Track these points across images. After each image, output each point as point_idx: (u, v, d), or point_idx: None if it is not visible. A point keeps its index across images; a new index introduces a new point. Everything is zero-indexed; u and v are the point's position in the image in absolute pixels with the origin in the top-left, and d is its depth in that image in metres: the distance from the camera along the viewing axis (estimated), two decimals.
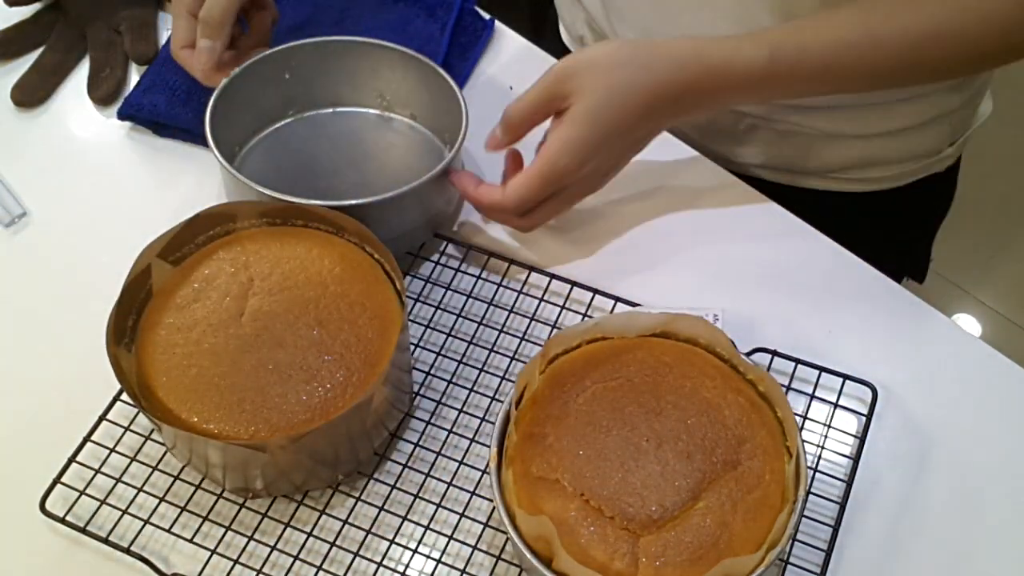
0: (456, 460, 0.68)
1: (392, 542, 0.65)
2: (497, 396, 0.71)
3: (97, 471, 0.67)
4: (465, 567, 0.64)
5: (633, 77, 0.66)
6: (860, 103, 0.81)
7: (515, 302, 0.75)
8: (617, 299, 0.74)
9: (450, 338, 0.73)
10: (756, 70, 0.66)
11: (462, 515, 0.66)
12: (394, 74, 0.79)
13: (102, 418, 0.68)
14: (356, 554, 0.64)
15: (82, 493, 0.66)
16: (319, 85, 0.81)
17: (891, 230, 0.79)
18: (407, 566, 0.64)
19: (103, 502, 0.66)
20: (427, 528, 0.65)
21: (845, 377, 0.69)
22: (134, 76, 0.89)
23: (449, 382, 0.71)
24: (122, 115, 0.85)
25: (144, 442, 0.68)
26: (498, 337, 0.73)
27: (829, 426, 0.69)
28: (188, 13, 0.76)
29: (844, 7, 0.67)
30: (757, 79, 0.67)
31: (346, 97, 0.82)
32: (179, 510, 0.66)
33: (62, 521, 0.65)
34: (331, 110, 0.82)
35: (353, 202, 0.69)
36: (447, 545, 0.65)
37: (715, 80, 0.67)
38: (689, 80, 0.66)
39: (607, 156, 0.70)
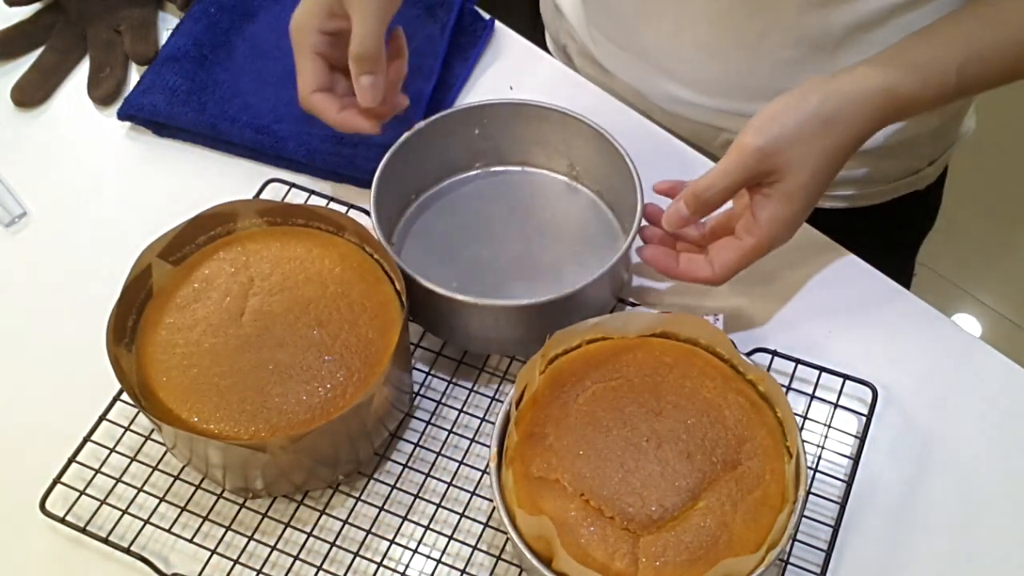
0: (456, 460, 0.68)
1: (392, 542, 0.65)
2: (497, 396, 0.71)
3: (97, 471, 0.67)
4: (465, 567, 0.64)
5: (838, 141, 0.65)
6: None
7: None
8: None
9: None
10: (946, 95, 0.68)
11: (462, 515, 0.66)
12: (587, 148, 0.76)
13: (102, 418, 0.68)
14: (356, 554, 0.64)
15: (82, 493, 0.66)
16: (509, 143, 0.78)
17: (870, 247, 0.79)
18: (407, 566, 0.64)
19: (103, 502, 0.66)
20: (427, 528, 0.65)
21: (845, 377, 0.69)
22: (134, 76, 0.89)
23: (449, 382, 0.71)
24: (122, 115, 0.85)
25: (144, 442, 0.68)
26: None
27: (829, 426, 0.69)
28: (315, 54, 0.69)
29: (1005, 5, 0.68)
30: (944, 100, 0.68)
31: (536, 159, 0.79)
32: (179, 510, 0.66)
33: (62, 521, 0.65)
34: (520, 169, 0.79)
35: (525, 302, 0.66)
36: (447, 545, 0.65)
37: (908, 112, 0.68)
38: (884, 120, 0.67)
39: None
